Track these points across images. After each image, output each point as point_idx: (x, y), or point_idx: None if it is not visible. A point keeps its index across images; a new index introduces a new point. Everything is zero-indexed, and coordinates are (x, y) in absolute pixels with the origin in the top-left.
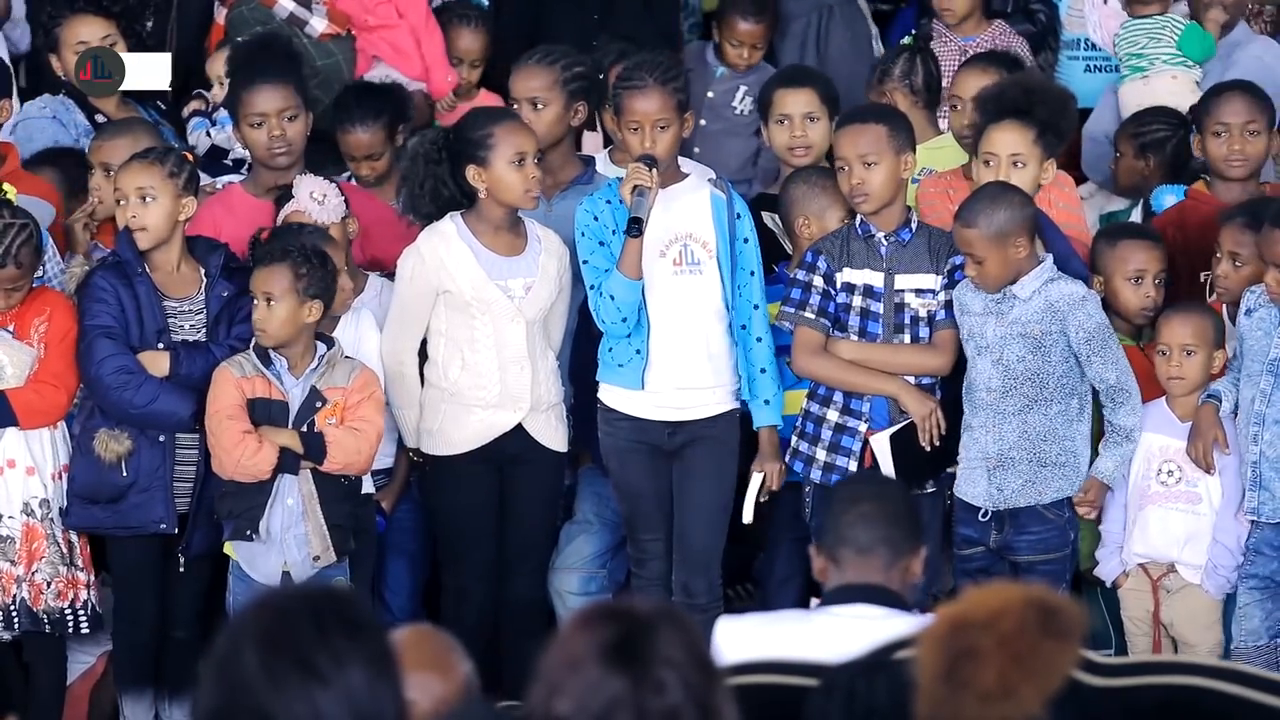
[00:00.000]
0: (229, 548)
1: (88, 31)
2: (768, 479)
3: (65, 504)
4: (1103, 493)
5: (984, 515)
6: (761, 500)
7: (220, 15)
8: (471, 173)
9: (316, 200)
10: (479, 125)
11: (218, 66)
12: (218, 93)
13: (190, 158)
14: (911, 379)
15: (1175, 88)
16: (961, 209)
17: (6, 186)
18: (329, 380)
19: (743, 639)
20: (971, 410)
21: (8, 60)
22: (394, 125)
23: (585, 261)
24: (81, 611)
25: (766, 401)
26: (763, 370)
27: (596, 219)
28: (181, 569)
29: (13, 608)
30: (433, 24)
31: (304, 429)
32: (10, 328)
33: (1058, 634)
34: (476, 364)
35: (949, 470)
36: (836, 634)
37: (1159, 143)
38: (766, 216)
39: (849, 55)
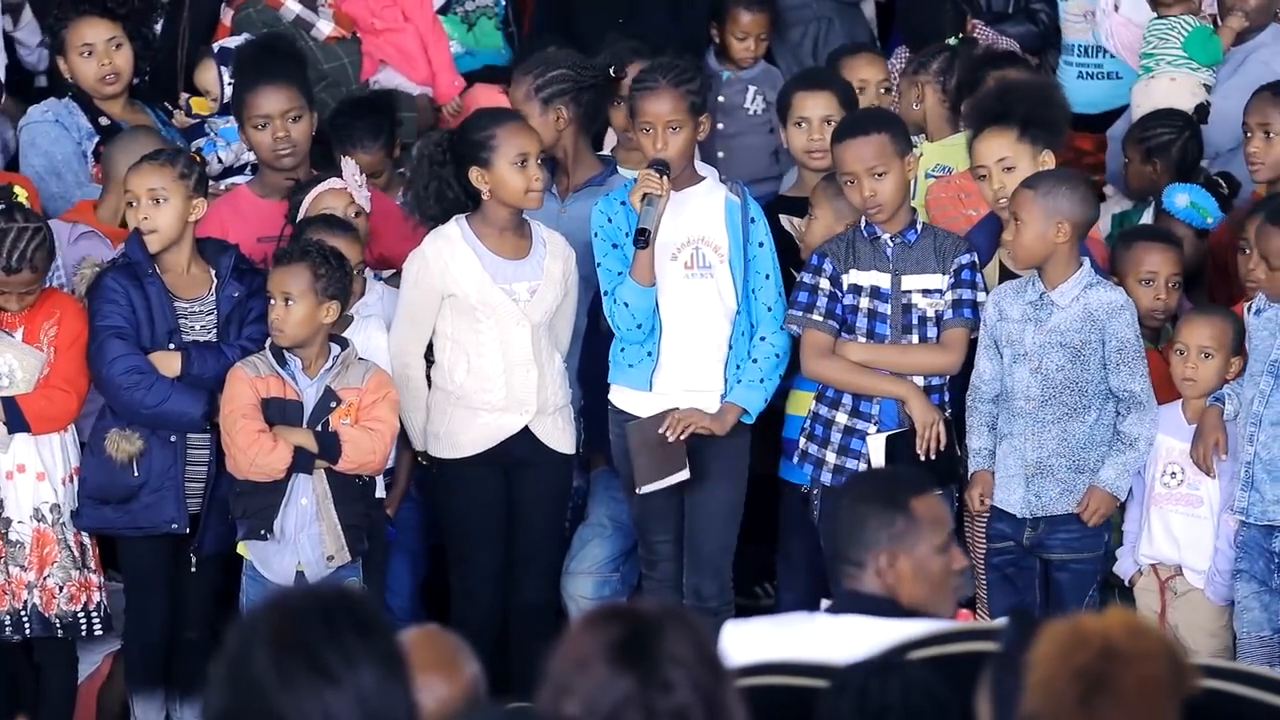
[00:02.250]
0: (242, 548)
1: (93, 33)
2: (680, 419)
3: (76, 506)
4: (1106, 501)
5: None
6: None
7: (227, 16)
8: (475, 174)
9: (357, 182)
10: (482, 126)
11: (205, 78)
12: (206, 104)
13: (198, 158)
14: (921, 379)
15: (1173, 89)
16: (1032, 175)
17: (18, 189)
18: (343, 381)
19: (750, 642)
20: (1009, 418)
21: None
22: (391, 139)
23: (599, 264)
24: (95, 614)
25: (739, 382)
26: (754, 361)
27: (610, 220)
28: (193, 569)
29: (23, 613)
30: (439, 29)
31: (318, 429)
32: (20, 330)
33: (1181, 694)
34: (482, 367)
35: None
36: (842, 635)
37: (1164, 146)
38: (785, 220)
39: None
